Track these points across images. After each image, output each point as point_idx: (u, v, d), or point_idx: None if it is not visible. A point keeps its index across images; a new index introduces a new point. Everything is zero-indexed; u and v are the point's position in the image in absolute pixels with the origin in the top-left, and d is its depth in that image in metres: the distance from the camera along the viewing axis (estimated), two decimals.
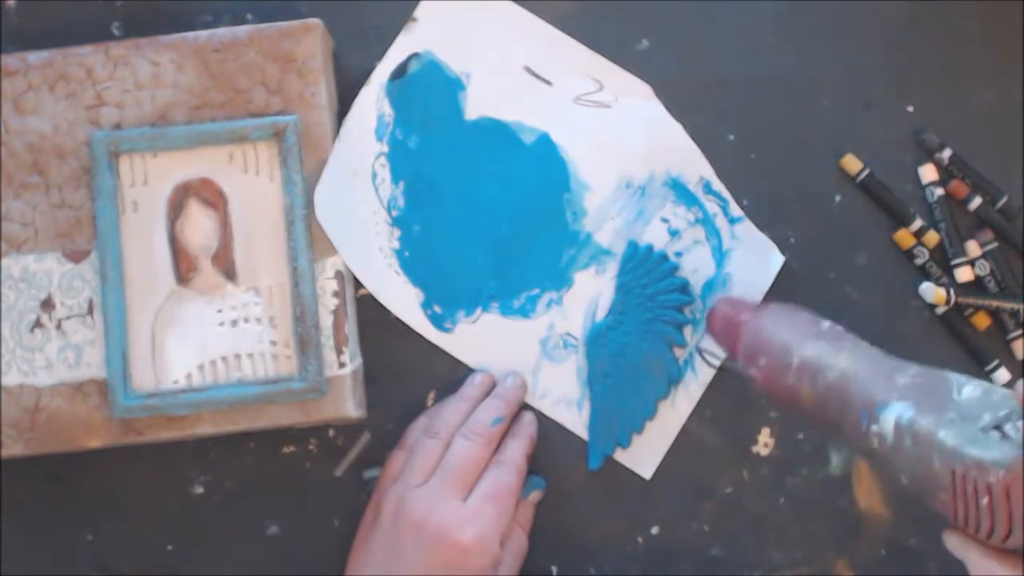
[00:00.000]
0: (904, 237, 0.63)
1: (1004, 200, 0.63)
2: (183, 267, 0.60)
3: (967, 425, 0.43)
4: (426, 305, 0.63)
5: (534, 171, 0.63)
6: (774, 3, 0.64)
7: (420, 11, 0.63)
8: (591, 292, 0.63)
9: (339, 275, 0.60)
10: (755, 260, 0.62)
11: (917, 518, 0.62)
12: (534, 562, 0.61)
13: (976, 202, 0.63)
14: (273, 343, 0.59)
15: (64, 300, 0.59)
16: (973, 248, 0.63)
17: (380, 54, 0.64)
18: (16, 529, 0.62)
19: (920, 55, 0.64)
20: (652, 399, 0.62)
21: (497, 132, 0.64)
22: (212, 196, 0.60)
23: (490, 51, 0.63)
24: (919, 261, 0.63)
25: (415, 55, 0.63)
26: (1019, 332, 0.63)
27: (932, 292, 0.61)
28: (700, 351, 0.61)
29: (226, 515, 0.63)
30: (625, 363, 0.62)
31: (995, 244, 0.63)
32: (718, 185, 0.63)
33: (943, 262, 0.63)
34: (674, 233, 0.63)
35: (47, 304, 0.59)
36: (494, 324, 0.63)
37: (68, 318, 0.59)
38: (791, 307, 0.54)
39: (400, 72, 0.63)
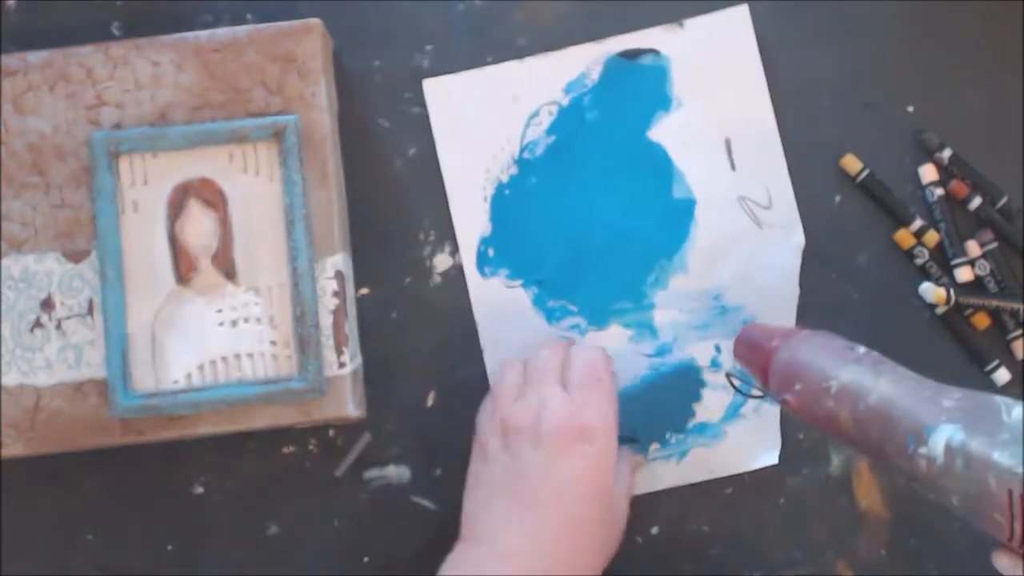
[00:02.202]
0: (904, 237, 0.63)
1: (1004, 200, 0.63)
2: (183, 267, 0.60)
3: (1021, 446, 0.44)
4: (486, 242, 0.63)
5: (660, 223, 0.63)
6: (774, 3, 0.64)
7: (688, 22, 0.63)
8: (611, 347, 0.62)
9: (339, 275, 0.60)
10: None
11: (917, 518, 0.62)
12: None
13: (976, 202, 0.63)
14: (273, 343, 0.59)
15: (64, 300, 0.59)
16: (973, 248, 0.63)
17: (380, 54, 0.64)
18: (16, 529, 0.62)
19: (920, 55, 0.64)
20: (675, 423, 0.62)
21: (660, 166, 0.63)
22: (212, 196, 0.60)
23: (708, 96, 0.63)
24: (919, 261, 0.63)
25: (656, 51, 0.63)
26: (1019, 332, 0.63)
27: (932, 292, 0.61)
28: (728, 376, 0.61)
29: (226, 515, 0.63)
30: (653, 386, 0.63)
31: (995, 244, 0.63)
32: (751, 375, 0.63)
33: (943, 262, 0.63)
34: (715, 364, 0.63)
35: (47, 304, 0.59)
36: (519, 302, 0.63)
37: (68, 318, 0.59)
38: (823, 332, 0.54)
39: (633, 55, 0.63)
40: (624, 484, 0.59)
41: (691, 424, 0.62)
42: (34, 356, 0.59)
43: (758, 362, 0.56)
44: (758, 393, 0.57)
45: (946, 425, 0.46)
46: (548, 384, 0.56)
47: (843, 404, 0.50)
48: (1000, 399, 0.46)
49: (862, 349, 0.52)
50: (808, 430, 0.63)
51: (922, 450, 0.46)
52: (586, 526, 0.54)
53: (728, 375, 0.61)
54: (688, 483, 0.62)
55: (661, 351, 0.62)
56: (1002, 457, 0.43)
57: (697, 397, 0.62)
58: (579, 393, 0.56)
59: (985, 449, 0.44)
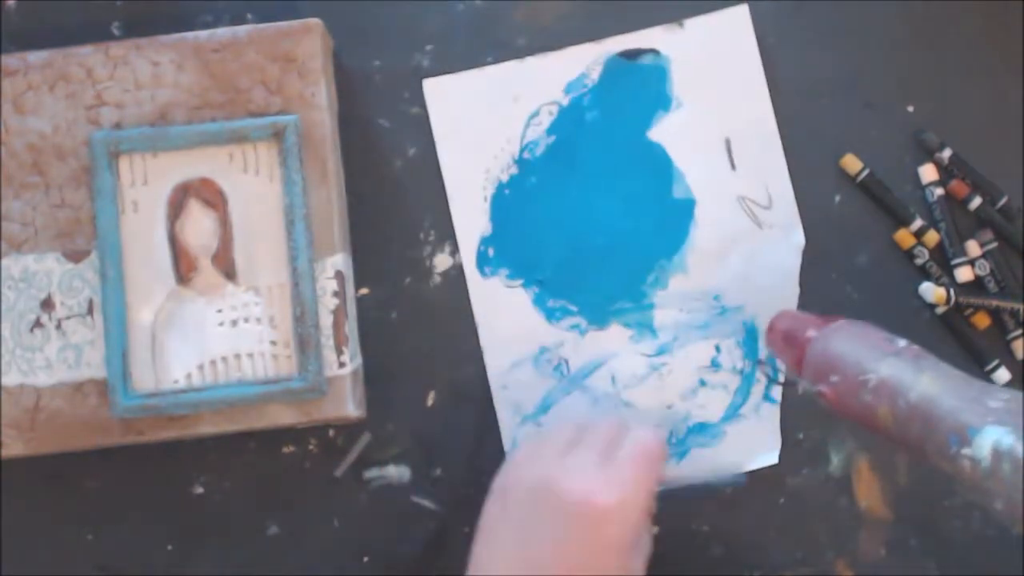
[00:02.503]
0: (904, 237, 0.63)
1: (1004, 200, 0.63)
2: (183, 267, 0.60)
3: None
4: (486, 242, 0.63)
5: (660, 223, 0.63)
6: (774, 3, 0.64)
7: (688, 22, 0.63)
8: (611, 347, 0.62)
9: (339, 275, 0.60)
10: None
11: (917, 518, 0.62)
12: None
13: (976, 202, 0.63)
14: (273, 343, 0.59)
15: (64, 300, 0.59)
16: (973, 248, 0.63)
17: (380, 54, 0.64)
18: (16, 529, 0.62)
19: (920, 55, 0.64)
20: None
21: (660, 166, 0.63)
22: (212, 196, 0.60)
23: (708, 96, 0.63)
24: (919, 261, 0.63)
25: (656, 51, 0.63)
26: (1019, 332, 0.63)
27: (932, 292, 0.61)
28: (760, 363, 0.60)
29: (226, 515, 0.63)
30: None
31: (995, 244, 0.63)
32: (783, 364, 0.62)
33: (943, 262, 0.63)
34: (715, 364, 0.62)
35: (47, 304, 0.59)
36: (517, 300, 0.63)
37: (68, 318, 0.59)
38: (861, 323, 0.53)
39: (633, 55, 0.63)
40: (636, 567, 0.54)
41: (691, 424, 0.62)
42: (34, 356, 0.59)
43: (792, 351, 0.54)
44: (790, 382, 0.55)
45: (993, 427, 0.44)
46: (593, 451, 0.54)
47: (882, 399, 0.49)
48: None
49: (903, 342, 0.51)
50: (808, 430, 0.63)
51: (966, 451, 0.45)
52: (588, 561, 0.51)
53: (760, 362, 0.60)
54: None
55: (661, 351, 0.62)
56: None
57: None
58: (616, 470, 0.53)
59: None
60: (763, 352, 0.61)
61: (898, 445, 0.49)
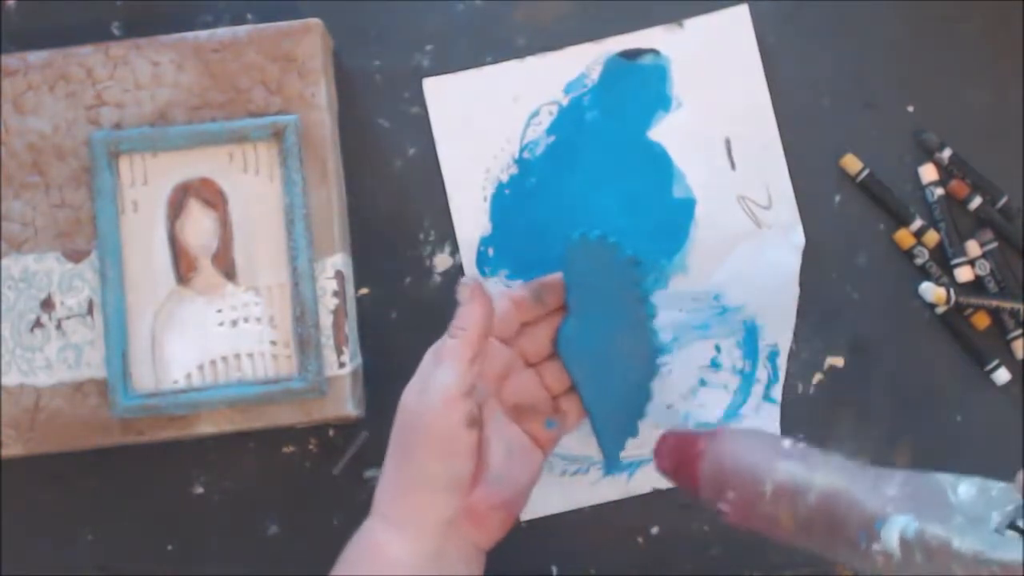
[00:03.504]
0: (904, 237, 0.63)
1: (1004, 200, 0.63)
2: (183, 267, 0.60)
3: (979, 528, 0.42)
4: (486, 242, 0.63)
5: (660, 223, 0.63)
6: (774, 3, 0.64)
7: (688, 22, 0.63)
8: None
9: (339, 275, 0.60)
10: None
11: None
12: (534, 562, 0.61)
13: (976, 202, 0.63)
14: (273, 343, 0.59)
15: (64, 300, 0.59)
16: (973, 248, 0.63)
17: (380, 54, 0.64)
18: (16, 529, 0.62)
19: (920, 55, 0.64)
20: (646, 381, 0.60)
21: (660, 166, 0.63)
22: (212, 196, 0.60)
23: (708, 96, 0.63)
24: (919, 261, 0.63)
25: (655, 51, 0.63)
26: (1019, 332, 0.63)
27: (932, 292, 0.61)
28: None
29: (226, 515, 0.63)
30: (604, 356, 0.58)
31: (995, 244, 0.63)
32: (781, 361, 0.62)
33: (943, 262, 0.63)
34: (715, 364, 0.62)
35: (47, 304, 0.59)
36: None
37: (68, 318, 0.59)
38: (746, 429, 0.52)
39: (633, 55, 0.63)
40: (439, 390, 0.52)
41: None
42: (34, 356, 0.59)
43: (686, 473, 0.52)
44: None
45: (896, 516, 0.43)
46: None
47: (782, 506, 0.47)
48: (943, 477, 0.44)
49: (787, 442, 0.49)
50: (808, 429, 0.62)
51: (876, 546, 0.44)
52: (411, 459, 0.53)
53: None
54: None
55: (661, 351, 0.62)
56: (963, 544, 0.41)
57: (655, 371, 0.60)
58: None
59: (943, 537, 0.42)
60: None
61: (806, 548, 0.47)
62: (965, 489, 0.43)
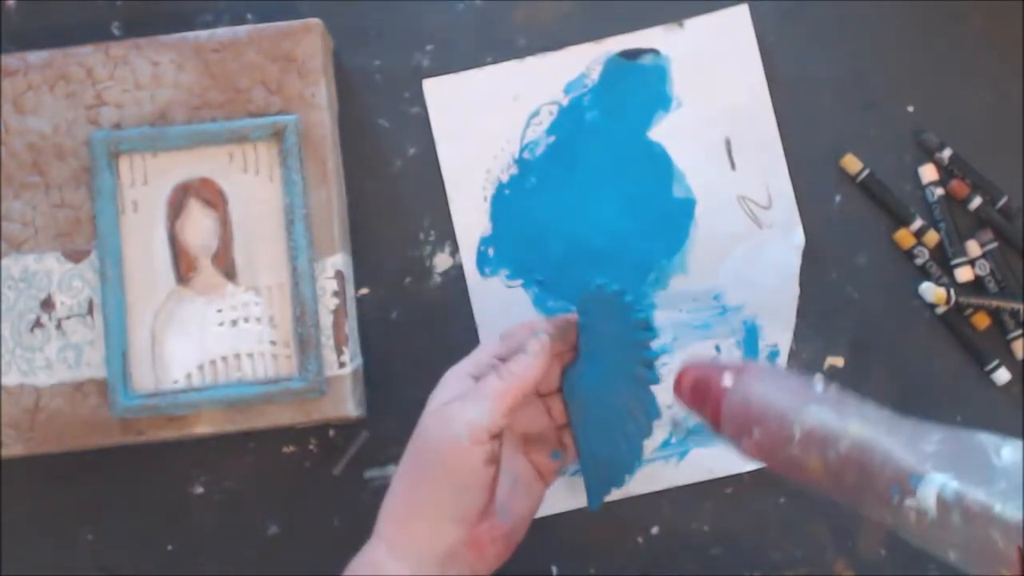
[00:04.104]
0: (904, 237, 0.63)
1: (1004, 200, 0.63)
2: (183, 267, 0.60)
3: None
4: (486, 242, 0.63)
5: (660, 223, 0.63)
6: (774, 3, 0.64)
7: (688, 22, 0.63)
8: None
9: (339, 275, 0.60)
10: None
11: None
12: (534, 562, 0.61)
13: (976, 202, 0.63)
14: (273, 343, 0.59)
15: (64, 300, 0.59)
16: (973, 248, 0.63)
17: (380, 54, 0.64)
18: (16, 529, 0.62)
19: (920, 55, 0.64)
20: (638, 440, 0.56)
21: (660, 166, 0.63)
22: (212, 196, 0.60)
23: (708, 96, 0.63)
24: (919, 261, 0.63)
25: (655, 51, 0.63)
26: (1019, 332, 0.63)
27: (932, 292, 0.61)
28: (675, 425, 0.58)
29: (226, 515, 0.63)
30: (604, 405, 0.57)
31: (995, 244, 0.63)
32: (781, 361, 0.62)
33: (943, 262, 0.63)
34: None
35: (47, 304, 0.59)
36: (517, 300, 0.63)
37: (68, 318, 0.59)
38: (773, 368, 0.51)
39: (633, 55, 0.63)
40: (468, 426, 0.51)
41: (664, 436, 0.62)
42: (34, 356, 0.59)
43: (708, 405, 0.50)
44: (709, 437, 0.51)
45: (935, 474, 0.42)
46: (469, 363, 0.55)
47: (810, 452, 0.46)
48: (985, 437, 0.43)
49: (820, 385, 0.48)
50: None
51: (909, 502, 0.42)
52: (423, 486, 0.52)
53: (674, 424, 0.56)
54: (688, 483, 0.62)
55: (661, 351, 0.62)
56: (1006, 511, 0.40)
57: (648, 432, 0.57)
58: (473, 389, 0.53)
59: (984, 501, 0.40)
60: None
61: (832, 496, 0.46)
62: (1009, 453, 0.41)
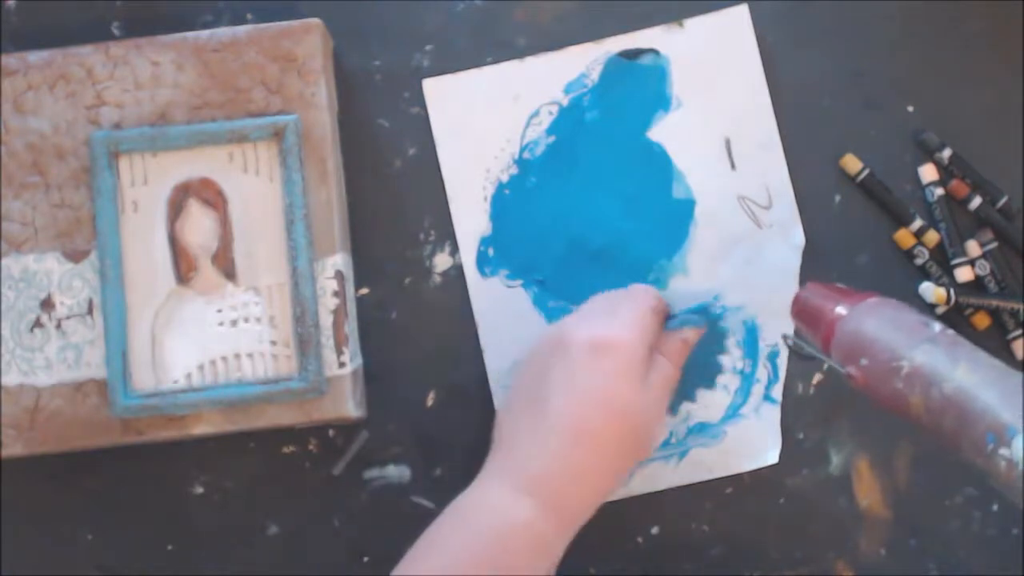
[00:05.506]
0: (904, 237, 0.63)
1: (1004, 200, 0.63)
2: (183, 267, 0.60)
3: None
4: (486, 242, 0.63)
5: (659, 223, 0.63)
6: (774, 3, 0.64)
7: (688, 22, 0.63)
8: None
9: (339, 275, 0.60)
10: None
11: (917, 518, 0.62)
12: None
13: (976, 202, 0.63)
14: (273, 343, 0.59)
15: (64, 300, 0.59)
16: (973, 248, 0.63)
17: (380, 54, 0.64)
18: (16, 529, 0.62)
19: (920, 55, 0.64)
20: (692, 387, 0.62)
21: (660, 166, 0.63)
22: (212, 196, 0.60)
23: (708, 96, 0.63)
24: (919, 261, 0.63)
25: (655, 51, 0.63)
26: (1019, 332, 0.63)
27: (932, 292, 0.61)
28: (784, 338, 0.58)
29: (226, 515, 0.63)
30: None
31: (995, 244, 0.63)
32: (781, 361, 0.62)
33: (943, 262, 0.63)
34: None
35: (47, 304, 0.60)
36: (517, 300, 0.63)
37: (68, 318, 0.59)
38: (895, 303, 0.51)
39: (633, 55, 0.63)
40: (653, 398, 0.56)
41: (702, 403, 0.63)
42: (34, 356, 0.59)
43: (820, 328, 0.52)
44: (815, 357, 0.53)
45: None
46: (597, 306, 0.58)
47: (914, 388, 0.46)
48: None
49: (938, 326, 0.48)
50: (808, 430, 0.63)
51: (1003, 451, 0.43)
52: (596, 438, 0.54)
53: (784, 337, 0.57)
54: (688, 483, 0.62)
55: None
56: None
57: (722, 349, 0.62)
58: (616, 314, 0.56)
59: None
60: (780, 330, 0.59)
61: (930, 435, 0.47)
62: None
